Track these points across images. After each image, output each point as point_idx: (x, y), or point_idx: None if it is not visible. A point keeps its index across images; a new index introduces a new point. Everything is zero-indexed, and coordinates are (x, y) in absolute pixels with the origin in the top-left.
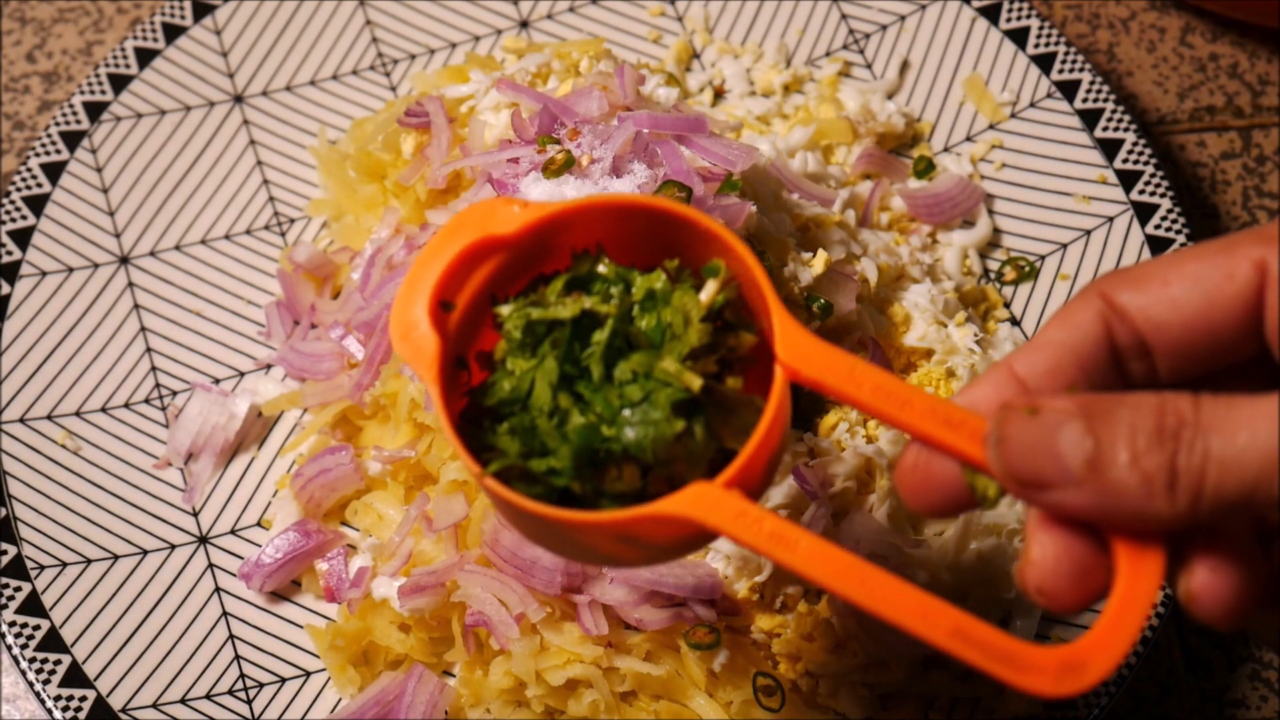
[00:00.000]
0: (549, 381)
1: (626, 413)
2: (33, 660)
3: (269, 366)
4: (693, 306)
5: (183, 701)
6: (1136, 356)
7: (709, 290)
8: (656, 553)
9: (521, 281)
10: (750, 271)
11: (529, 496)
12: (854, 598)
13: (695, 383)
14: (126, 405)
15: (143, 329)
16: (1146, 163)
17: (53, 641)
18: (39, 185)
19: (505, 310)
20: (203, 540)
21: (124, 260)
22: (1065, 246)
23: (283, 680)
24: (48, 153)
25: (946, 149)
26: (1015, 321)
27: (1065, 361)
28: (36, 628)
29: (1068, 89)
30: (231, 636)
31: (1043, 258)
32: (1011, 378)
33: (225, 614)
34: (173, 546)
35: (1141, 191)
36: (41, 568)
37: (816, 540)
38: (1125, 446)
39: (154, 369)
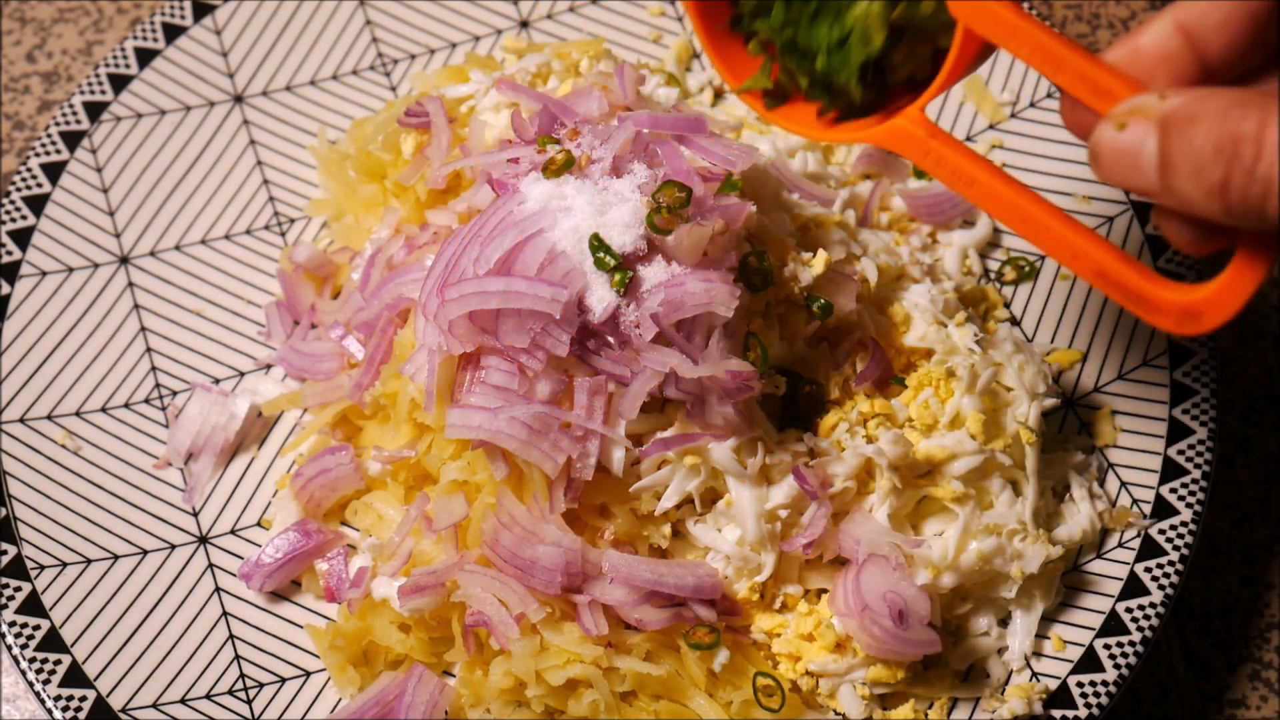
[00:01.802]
0: None
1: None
2: (33, 660)
3: (269, 366)
4: None
5: (183, 701)
6: None
7: None
8: None
9: None
10: None
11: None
12: (1018, 230)
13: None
14: (126, 405)
15: (143, 329)
16: None
17: (53, 641)
18: (39, 185)
19: None
20: (203, 540)
21: (124, 260)
22: None
23: (283, 680)
24: (48, 153)
25: None
26: (1015, 321)
27: (1235, 15)
28: (36, 628)
29: None
30: (231, 636)
31: (1042, 258)
32: (1176, 29)
33: (225, 614)
34: (173, 546)
35: None
36: (41, 568)
37: (992, 177)
38: (1189, 163)
39: (154, 369)
